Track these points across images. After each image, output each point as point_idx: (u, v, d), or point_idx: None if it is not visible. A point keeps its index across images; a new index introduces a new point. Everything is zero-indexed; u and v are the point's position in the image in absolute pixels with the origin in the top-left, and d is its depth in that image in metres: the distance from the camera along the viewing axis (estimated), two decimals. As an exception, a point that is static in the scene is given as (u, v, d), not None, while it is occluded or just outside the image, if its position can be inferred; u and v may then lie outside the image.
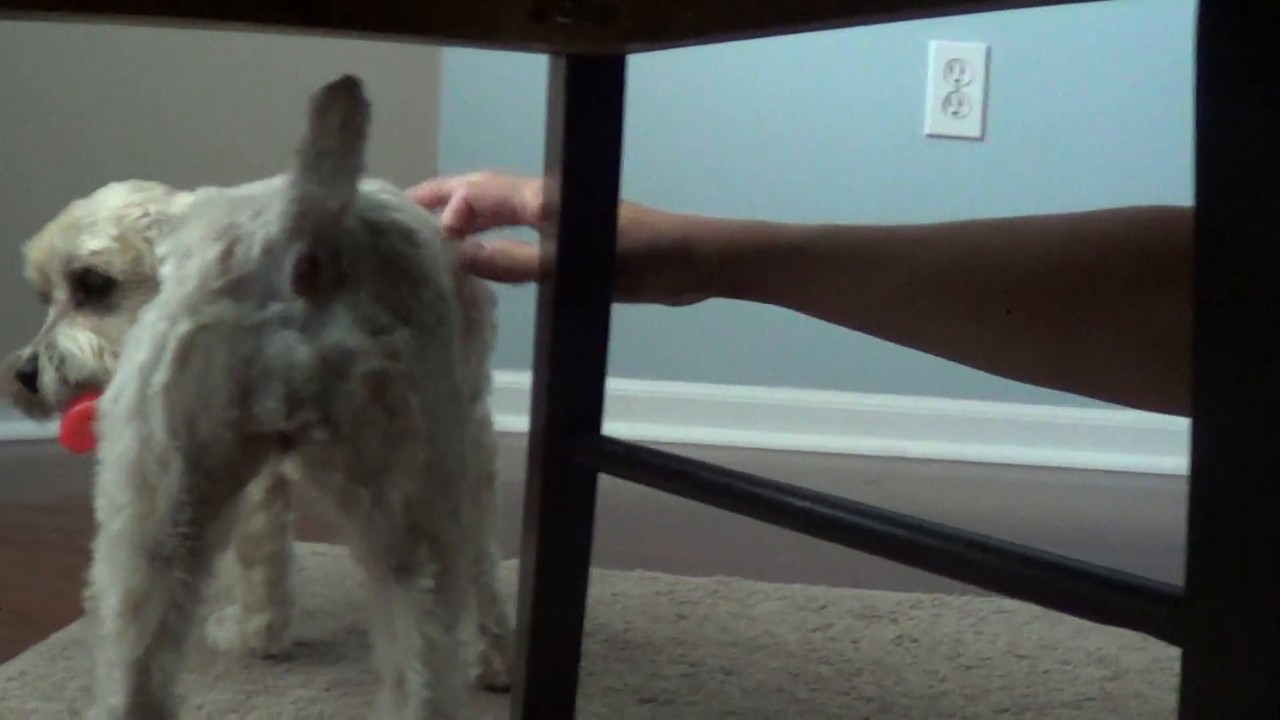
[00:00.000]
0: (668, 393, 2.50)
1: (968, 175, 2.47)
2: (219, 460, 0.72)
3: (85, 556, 0.76)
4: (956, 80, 2.48)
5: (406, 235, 0.76)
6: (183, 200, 1.09)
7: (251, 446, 0.73)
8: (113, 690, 0.73)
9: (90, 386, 1.05)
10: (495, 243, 1.02)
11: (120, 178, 1.13)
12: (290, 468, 0.80)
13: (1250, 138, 0.46)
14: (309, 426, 0.72)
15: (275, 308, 0.71)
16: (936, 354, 0.96)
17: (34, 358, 1.07)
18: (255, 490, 1.13)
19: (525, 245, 1.00)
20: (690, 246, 0.97)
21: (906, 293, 0.94)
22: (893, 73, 2.49)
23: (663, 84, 2.43)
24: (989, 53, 2.48)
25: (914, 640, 1.34)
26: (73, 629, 1.22)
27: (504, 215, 1.02)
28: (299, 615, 1.22)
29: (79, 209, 1.09)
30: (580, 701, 0.90)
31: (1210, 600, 0.48)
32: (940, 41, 2.48)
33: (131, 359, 0.73)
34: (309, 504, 0.83)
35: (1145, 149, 2.40)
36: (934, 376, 2.35)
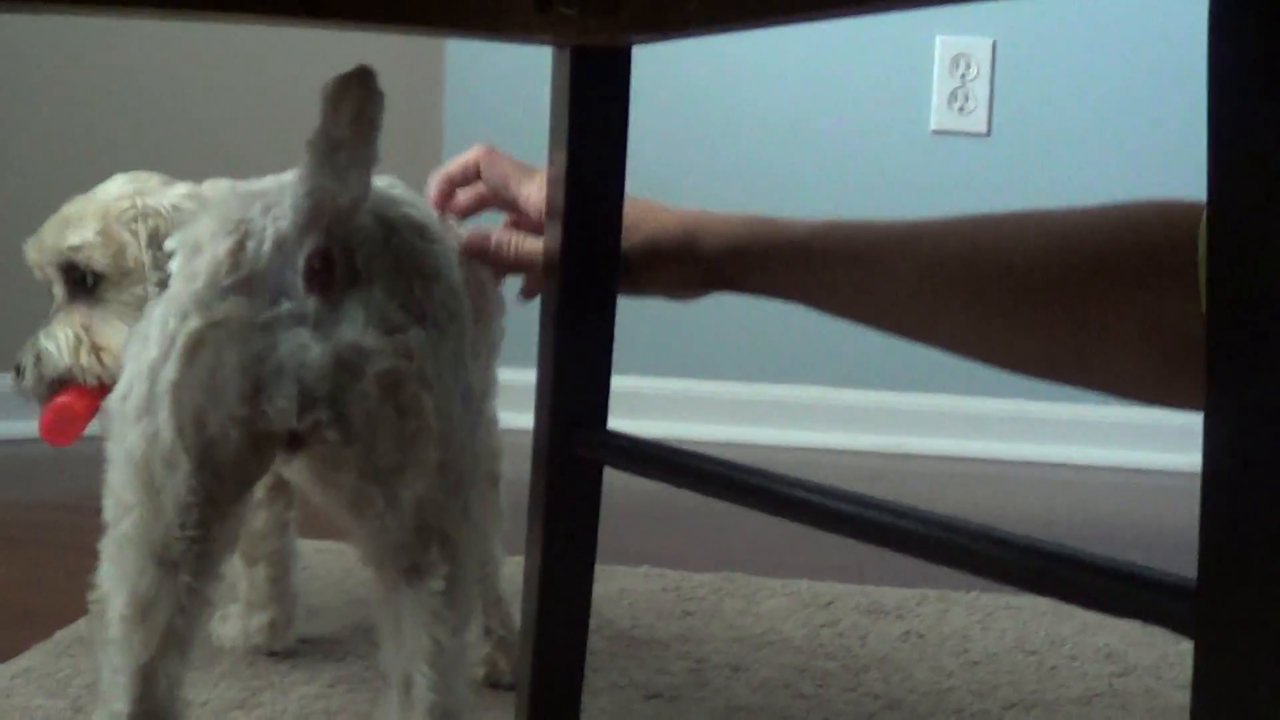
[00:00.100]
0: (671, 390, 2.49)
1: (973, 171, 2.46)
2: (227, 459, 0.72)
3: (89, 555, 0.75)
4: (962, 75, 2.48)
5: (419, 231, 0.75)
6: (179, 191, 1.09)
7: (261, 445, 0.72)
8: (117, 695, 0.72)
9: (66, 382, 1.06)
10: (502, 232, 1.01)
11: (127, 171, 1.13)
12: (291, 472, 0.79)
13: (1265, 133, 0.46)
14: (321, 426, 0.71)
15: (287, 305, 0.70)
16: (940, 348, 0.95)
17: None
18: (257, 488, 1.13)
19: (531, 238, 0.99)
20: (694, 242, 0.97)
21: (910, 287, 0.93)
22: (898, 68, 2.49)
23: (667, 78, 2.42)
24: (995, 48, 2.47)
25: (921, 636, 1.33)
26: (77, 627, 1.21)
27: (503, 200, 1.02)
28: (303, 612, 1.21)
29: (74, 203, 1.10)
30: (586, 698, 0.90)
31: (1223, 593, 0.48)
32: (946, 36, 2.47)
33: (140, 356, 0.73)
34: (311, 500, 0.82)
35: (1151, 144, 2.39)
36: (939, 373, 2.34)
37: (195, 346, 0.70)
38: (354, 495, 0.74)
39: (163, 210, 1.07)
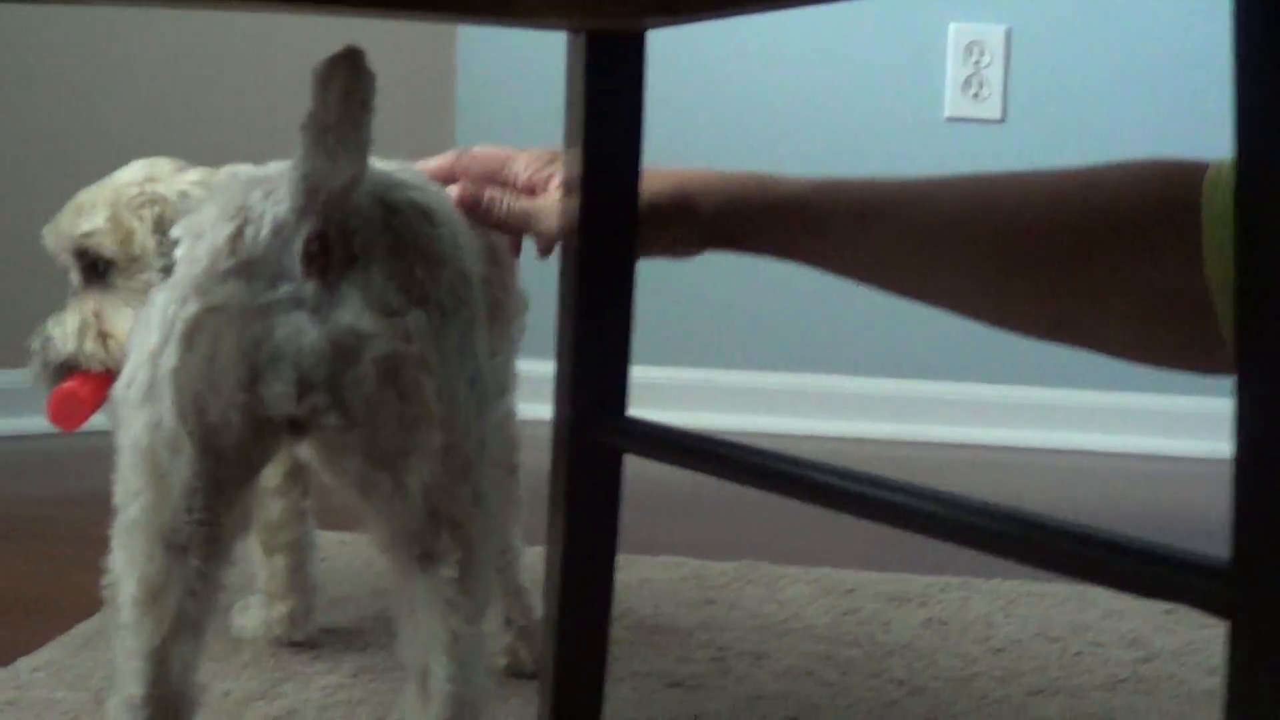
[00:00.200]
0: (691, 380, 2.48)
1: (988, 158, 2.44)
2: (230, 445, 0.71)
3: (104, 549, 0.75)
4: (976, 62, 2.46)
5: (424, 214, 0.75)
6: (190, 177, 1.10)
7: (262, 431, 0.72)
8: (131, 679, 0.72)
9: (70, 367, 1.07)
10: (493, 190, 0.99)
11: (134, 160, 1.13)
12: (306, 452, 0.79)
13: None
14: (320, 411, 0.70)
15: (285, 289, 0.70)
16: (940, 306, 0.95)
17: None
18: (272, 476, 1.13)
19: (523, 197, 0.98)
20: (690, 200, 0.96)
21: (908, 244, 0.93)
22: (912, 55, 2.47)
23: (682, 64, 2.41)
24: (1009, 34, 2.46)
25: (944, 623, 1.33)
26: (96, 620, 1.21)
27: (494, 183, 1.01)
28: (325, 602, 1.21)
29: (88, 190, 1.10)
30: (608, 686, 0.89)
31: (1257, 572, 0.47)
32: (960, 23, 2.46)
33: (143, 343, 0.72)
34: (332, 492, 0.82)
35: (1166, 130, 2.37)
36: (962, 361, 2.33)
37: (193, 332, 0.70)
38: (361, 480, 0.74)
39: (169, 196, 1.08)
